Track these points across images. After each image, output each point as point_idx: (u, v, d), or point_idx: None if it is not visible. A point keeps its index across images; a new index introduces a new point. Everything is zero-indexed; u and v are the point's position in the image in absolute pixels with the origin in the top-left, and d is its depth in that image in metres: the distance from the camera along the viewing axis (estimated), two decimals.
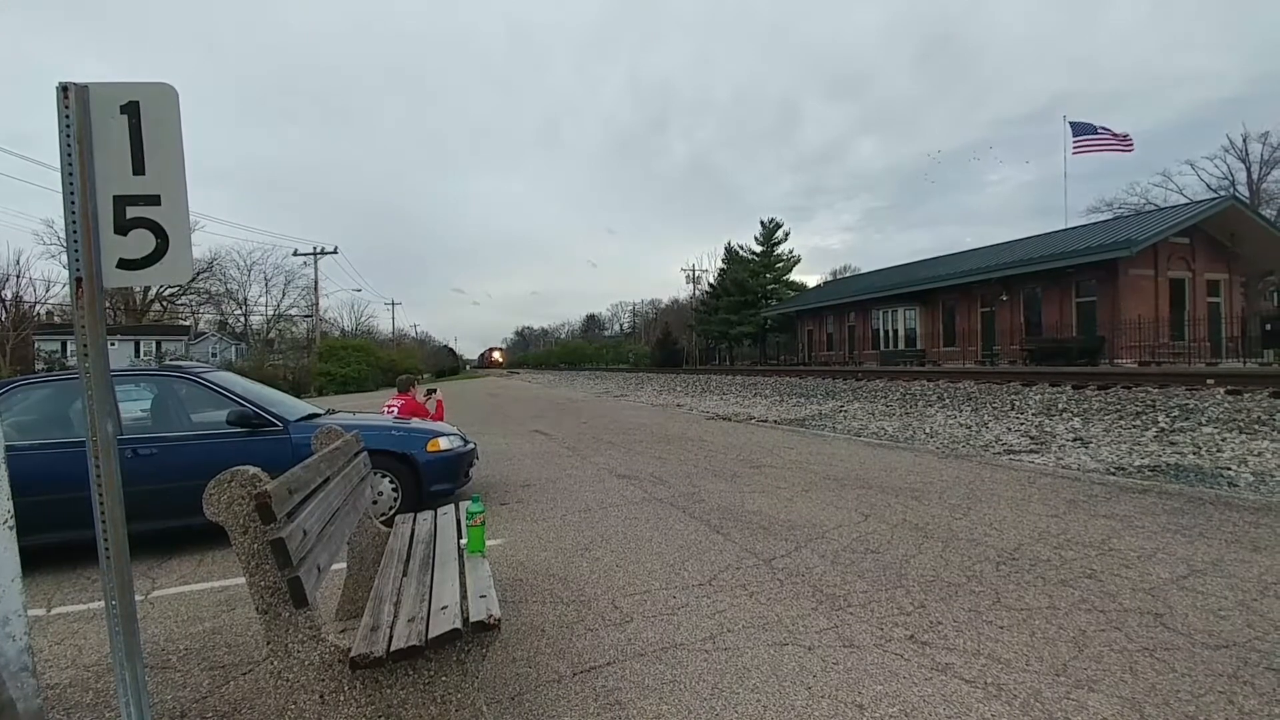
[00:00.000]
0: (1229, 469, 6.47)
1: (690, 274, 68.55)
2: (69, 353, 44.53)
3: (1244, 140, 41.21)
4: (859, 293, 39.13)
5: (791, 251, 55.13)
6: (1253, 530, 4.29)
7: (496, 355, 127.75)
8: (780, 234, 54.77)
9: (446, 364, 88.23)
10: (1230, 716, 2.21)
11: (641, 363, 69.89)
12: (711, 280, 62.27)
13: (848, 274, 70.22)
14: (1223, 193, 36.53)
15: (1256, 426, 8.37)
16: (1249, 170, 41.57)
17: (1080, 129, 32.10)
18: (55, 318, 48.33)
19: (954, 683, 2.51)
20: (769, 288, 54.14)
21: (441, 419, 8.67)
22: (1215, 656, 2.62)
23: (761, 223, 55.49)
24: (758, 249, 55.70)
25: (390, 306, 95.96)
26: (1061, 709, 2.30)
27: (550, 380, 44.52)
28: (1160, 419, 9.43)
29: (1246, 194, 39.63)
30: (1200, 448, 7.56)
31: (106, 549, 1.96)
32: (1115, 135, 31.82)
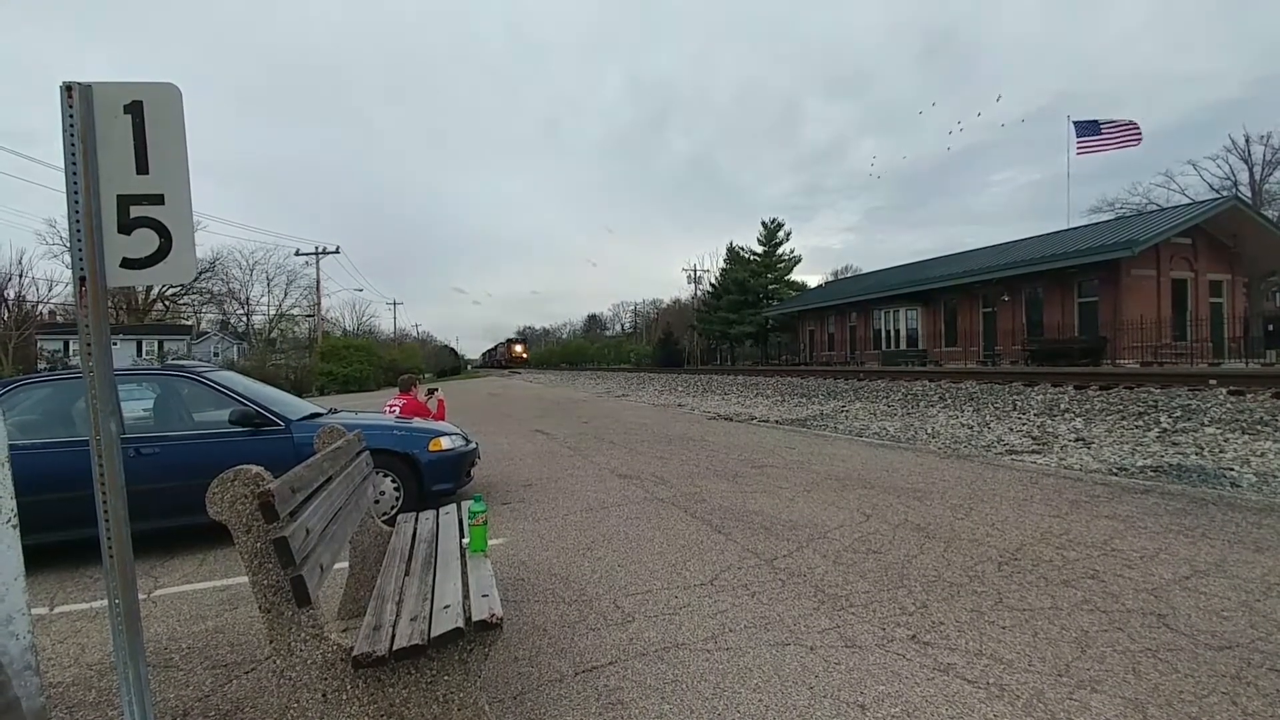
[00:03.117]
0: (1231, 469, 6.46)
1: (691, 274, 68.54)
2: (71, 352, 44.62)
3: (1246, 141, 41.23)
4: (860, 293, 39.09)
5: (793, 251, 55.15)
6: (1255, 531, 4.28)
7: (518, 348, 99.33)
8: (782, 234, 54.77)
9: (448, 363, 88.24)
10: (1234, 717, 2.21)
11: (643, 363, 69.90)
12: (713, 280, 62.23)
13: (849, 274, 70.25)
14: (1225, 193, 36.46)
15: (1259, 427, 8.36)
16: (1251, 171, 41.57)
17: (1084, 129, 31.96)
18: (58, 317, 48.43)
19: (956, 683, 2.51)
20: (770, 288, 54.13)
21: (443, 418, 8.66)
22: (1218, 657, 2.62)
23: (763, 223, 55.54)
24: (759, 249, 55.68)
25: (392, 306, 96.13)
26: (1064, 709, 2.30)
27: (551, 380, 44.51)
28: (1163, 419, 9.41)
29: (1249, 195, 39.58)
30: (1203, 448, 7.55)
31: (110, 548, 1.97)
32: (1121, 127, 31.47)
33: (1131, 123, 31.16)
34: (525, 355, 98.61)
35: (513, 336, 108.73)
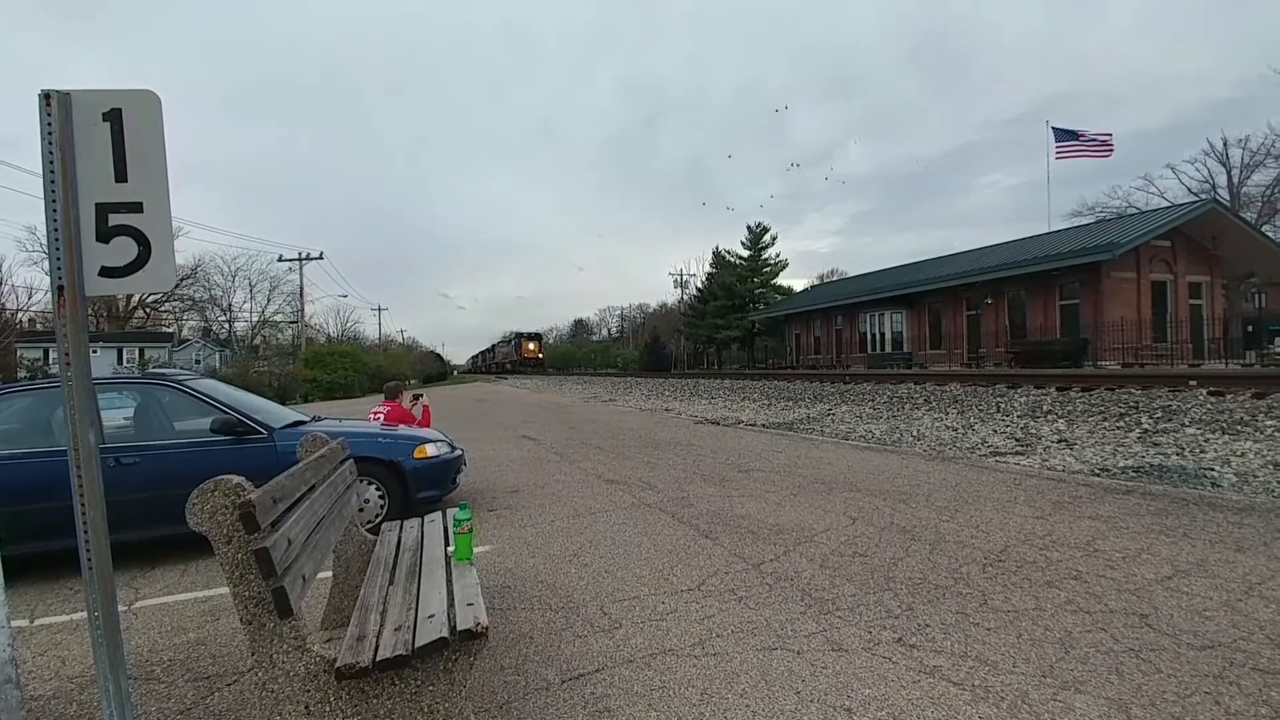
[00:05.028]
0: (1212, 470, 6.54)
1: (678, 278, 68.47)
2: (51, 360, 43.99)
3: (1224, 144, 41.85)
4: (846, 296, 39.36)
5: (779, 255, 55.34)
6: (1236, 530, 4.34)
7: (532, 346, 76.93)
8: (768, 238, 55.02)
9: (434, 369, 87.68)
10: (1216, 717, 2.24)
11: (630, 367, 69.85)
12: (699, 284, 62.41)
13: (835, 278, 70.57)
14: (1204, 196, 37.07)
15: (1239, 427, 8.48)
16: (1229, 174, 42.17)
17: (1062, 135, 32.49)
18: (38, 325, 47.74)
19: (942, 685, 2.52)
20: (756, 291, 54.31)
21: (428, 425, 8.63)
22: (1201, 657, 2.65)
23: (749, 227, 55.71)
24: (745, 253, 55.89)
25: (377, 312, 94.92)
26: (1048, 710, 2.31)
27: (538, 385, 44.40)
28: (1144, 420, 9.53)
29: (1227, 197, 40.17)
30: (1184, 449, 7.65)
31: (89, 559, 1.94)
32: (1096, 137, 32.19)
33: (1108, 134, 31.98)
34: (541, 355, 77.91)
35: (524, 331, 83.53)
